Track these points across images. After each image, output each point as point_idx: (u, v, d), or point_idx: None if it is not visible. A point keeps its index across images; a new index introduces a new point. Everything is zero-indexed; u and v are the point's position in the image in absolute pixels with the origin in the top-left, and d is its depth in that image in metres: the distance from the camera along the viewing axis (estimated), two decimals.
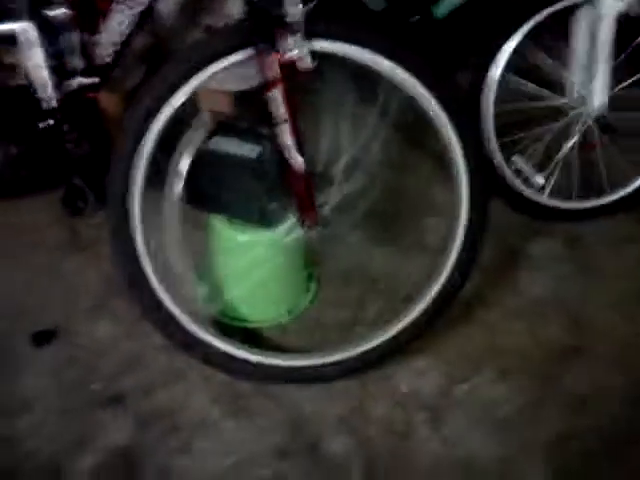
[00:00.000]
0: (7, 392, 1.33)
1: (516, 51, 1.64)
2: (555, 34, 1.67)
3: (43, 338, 1.43)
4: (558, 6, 1.60)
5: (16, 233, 1.71)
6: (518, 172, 1.71)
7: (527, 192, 1.72)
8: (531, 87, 1.71)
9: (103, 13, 1.21)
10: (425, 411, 1.29)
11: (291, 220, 1.29)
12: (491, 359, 1.39)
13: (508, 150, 1.72)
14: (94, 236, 1.69)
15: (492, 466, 1.21)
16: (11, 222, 1.75)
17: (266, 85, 1.07)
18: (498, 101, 1.66)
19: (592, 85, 1.61)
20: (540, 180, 1.71)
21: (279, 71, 1.05)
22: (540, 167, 1.73)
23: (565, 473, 1.19)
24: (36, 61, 1.38)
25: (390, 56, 1.12)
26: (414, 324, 1.30)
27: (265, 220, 1.33)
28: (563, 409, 1.29)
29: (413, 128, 1.80)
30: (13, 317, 1.48)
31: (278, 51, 1.04)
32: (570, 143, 1.71)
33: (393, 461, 1.22)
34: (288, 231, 1.29)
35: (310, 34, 1.04)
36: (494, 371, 1.36)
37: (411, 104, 1.20)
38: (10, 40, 1.37)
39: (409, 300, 1.33)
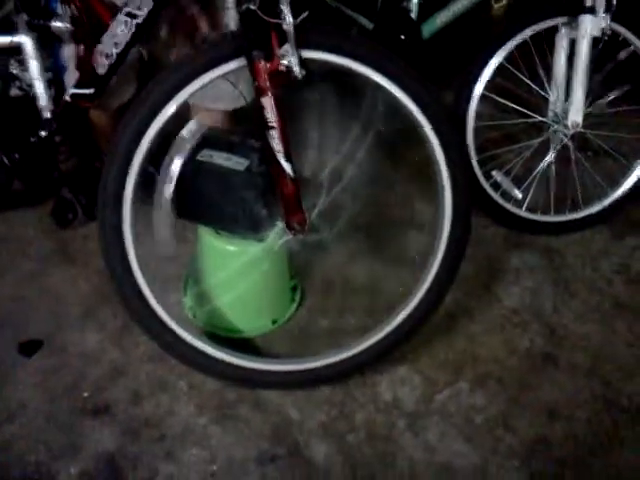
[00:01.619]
0: None
1: (497, 70, 1.70)
2: (534, 54, 1.73)
3: (30, 348, 1.45)
4: (539, 27, 1.66)
5: (5, 244, 1.74)
6: (497, 186, 1.77)
7: (506, 205, 1.77)
8: (510, 105, 1.77)
9: (102, 25, 1.25)
10: (406, 417, 1.33)
11: (279, 226, 1.31)
12: (470, 368, 1.43)
13: (488, 165, 1.78)
14: (82, 247, 1.72)
15: (470, 471, 1.24)
16: (0, 233, 1.77)
17: (256, 92, 1.11)
18: (478, 118, 1.72)
19: (569, 103, 1.67)
20: (518, 194, 1.77)
21: (270, 79, 1.09)
22: (518, 181, 1.78)
23: (540, 479, 1.23)
24: (33, 72, 1.42)
25: (377, 67, 1.16)
26: (395, 333, 1.34)
27: (253, 231, 1.35)
28: (539, 416, 1.33)
29: (396, 140, 1.87)
30: (1, 327, 1.49)
31: (270, 59, 1.08)
32: (547, 159, 1.77)
33: (375, 466, 1.25)
34: (276, 237, 1.31)
35: (301, 43, 1.08)
36: (473, 379, 1.40)
37: (397, 116, 1.24)
38: (15, 51, 1.41)
39: (391, 310, 1.36)
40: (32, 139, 1.45)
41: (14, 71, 1.43)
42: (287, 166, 1.15)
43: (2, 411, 1.33)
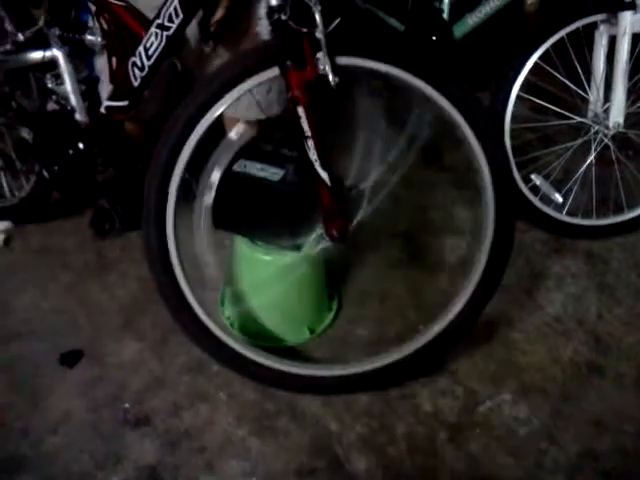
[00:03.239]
0: (38, 412, 1.36)
1: (533, 70, 1.66)
2: (572, 53, 1.68)
3: (71, 359, 1.46)
4: (576, 25, 1.62)
5: (45, 255, 1.76)
6: (536, 189, 1.73)
7: (546, 209, 1.74)
8: (548, 106, 1.73)
9: (134, 38, 1.25)
10: (448, 430, 1.30)
11: (317, 233, 1.29)
12: (513, 378, 1.39)
13: (526, 168, 1.74)
14: (120, 257, 1.74)
15: None
16: (40, 245, 1.80)
17: (291, 102, 1.10)
18: (515, 120, 1.69)
19: (609, 103, 1.62)
20: (558, 197, 1.73)
21: (303, 88, 1.08)
22: (558, 184, 1.74)
23: None
24: (67, 86, 1.44)
25: (412, 70, 1.13)
26: (435, 342, 1.31)
27: (288, 241, 1.35)
28: (585, 428, 1.29)
29: (435, 145, 1.84)
30: (42, 338, 1.52)
31: (304, 68, 1.07)
32: (588, 160, 1.72)
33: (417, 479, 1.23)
34: (314, 244, 1.30)
35: (334, 50, 1.07)
36: (516, 390, 1.37)
37: (436, 121, 1.22)
38: (49, 66, 1.43)
39: (430, 319, 1.33)
40: (70, 151, 1.46)
41: (50, 85, 1.45)
42: (324, 175, 1.14)
43: (46, 422, 1.34)
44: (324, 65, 1.05)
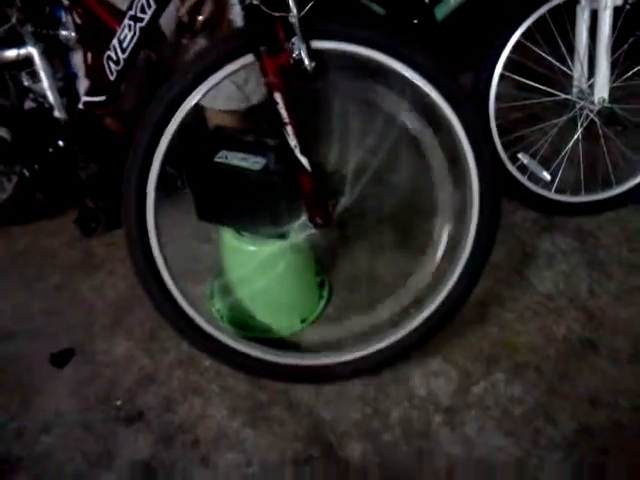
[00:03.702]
0: (30, 412, 1.35)
1: (516, 48, 1.65)
2: (554, 29, 1.67)
3: (62, 358, 1.45)
4: (557, 0, 1.60)
5: (31, 256, 1.75)
6: (524, 168, 1.72)
7: (534, 188, 1.72)
8: (532, 84, 1.72)
9: (108, 31, 1.24)
10: (443, 412, 1.30)
11: (301, 220, 1.29)
12: (506, 357, 1.39)
13: (512, 147, 1.73)
14: (107, 255, 1.73)
15: (511, 465, 1.20)
16: (27, 245, 1.79)
17: (268, 88, 1.09)
18: (499, 99, 1.67)
19: (593, 78, 1.61)
20: (546, 175, 1.72)
21: (279, 74, 1.07)
22: (546, 162, 1.73)
23: (583, 470, 1.19)
24: (44, 83, 1.42)
25: (387, 50, 1.11)
26: (427, 324, 1.30)
27: (274, 230, 1.33)
28: (580, 405, 1.28)
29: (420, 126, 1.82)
30: (32, 338, 1.51)
31: (278, 54, 1.05)
32: (574, 137, 1.71)
33: (412, 464, 1.22)
34: (299, 231, 1.29)
35: (309, 35, 1.05)
36: (510, 369, 1.36)
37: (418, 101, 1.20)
38: (24, 64, 1.41)
39: (421, 301, 1.33)
40: (50, 149, 1.45)
41: (26, 83, 1.44)
42: (304, 161, 1.13)
43: (39, 422, 1.33)
44: (299, 50, 1.03)
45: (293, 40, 1.03)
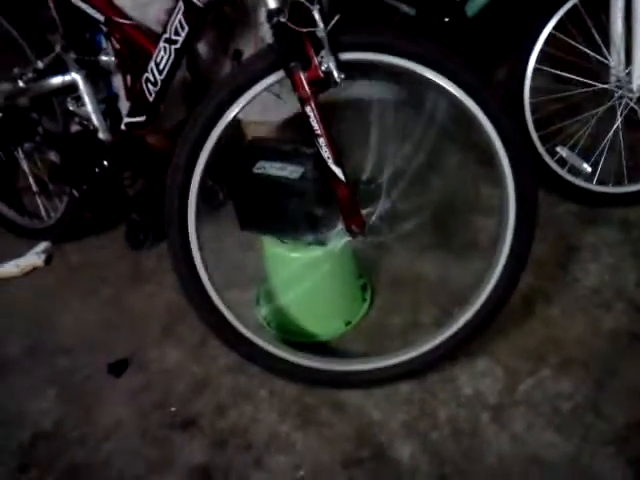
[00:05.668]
0: (91, 421, 1.41)
1: (549, 40, 1.63)
2: (587, 18, 1.65)
3: (118, 368, 1.51)
4: None
5: (84, 271, 1.82)
6: (563, 161, 1.70)
7: (575, 180, 1.70)
8: (568, 76, 1.70)
9: (145, 54, 1.29)
10: (490, 410, 1.30)
11: (338, 229, 1.31)
12: (553, 353, 1.38)
13: (551, 141, 1.71)
14: (156, 267, 1.78)
15: (563, 461, 1.20)
16: (80, 261, 1.86)
17: (300, 102, 1.11)
18: (535, 93, 1.66)
19: (631, 66, 1.58)
20: (587, 167, 1.70)
21: (310, 88, 1.09)
22: (586, 154, 1.71)
23: (637, 464, 1.17)
24: (88, 107, 1.49)
25: (414, 57, 1.12)
26: (471, 323, 1.31)
27: (314, 236, 1.36)
28: (630, 399, 1.27)
29: (457, 123, 1.82)
30: (89, 350, 1.57)
31: (308, 68, 1.08)
32: (614, 127, 1.68)
33: (462, 463, 1.23)
34: (337, 240, 1.31)
35: (337, 47, 1.07)
36: (557, 365, 1.35)
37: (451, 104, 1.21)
38: (69, 89, 1.48)
39: (464, 301, 1.33)
40: (96, 170, 1.51)
41: (71, 108, 1.50)
42: (338, 171, 1.15)
43: (100, 430, 1.39)
44: (328, 63, 1.05)
45: (322, 53, 1.06)
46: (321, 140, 1.12)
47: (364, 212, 1.23)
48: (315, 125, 1.11)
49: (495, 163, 1.21)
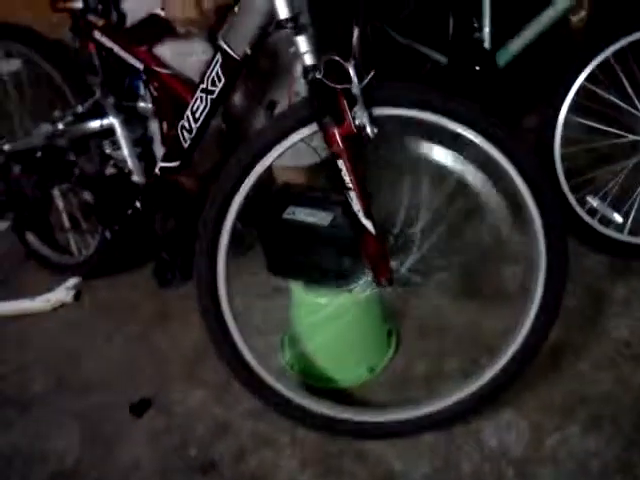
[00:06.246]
0: (110, 461, 1.41)
1: (580, 91, 1.64)
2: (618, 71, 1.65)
3: (140, 408, 1.51)
4: (622, 43, 1.60)
5: (112, 308, 1.84)
6: (593, 212, 1.69)
7: (605, 231, 1.69)
8: (599, 127, 1.70)
9: (182, 102, 1.32)
10: (516, 466, 1.27)
11: (366, 280, 1.31)
12: (581, 409, 1.35)
13: (581, 191, 1.70)
14: (183, 306, 1.79)
15: None
16: (108, 298, 1.88)
17: (332, 156, 1.13)
18: (566, 142, 1.66)
19: None
20: (617, 218, 1.69)
21: (342, 142, 1.10)
22: (617, 204, 1.70)
23: None
24: (124, 151, 1.53)
25: (447, 114, 1.13)
26: (500, 376, 1.29)
27: (342, 283, 1.36)
28: None
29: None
30: (113, 388, 1.58)
31: (341, 123, 1.09)
32: None
33: None
34: (364, 290, 1.31)
35: (371, 102, 1.08)
36: (585, 421, 1.32)
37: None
38: (106, 133, 1.53)
39: (492, 351, 1.31)
40: (129, 212, 1.54)
41: (108, 151, 1.55)
42: (368, 224, 1.16)
43: (119, 470, 1.39)
44: (361, 118, 1.07)
45: (355, 109, 1.07)
46: (352, 193, 1.13)
47: (393, 264, 1.23)
48: (347, 179, 1.12)
49: (524, 212, 1.20)
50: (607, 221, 1.69)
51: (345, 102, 1.07)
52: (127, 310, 1.82)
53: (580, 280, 1.63)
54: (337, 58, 1.03)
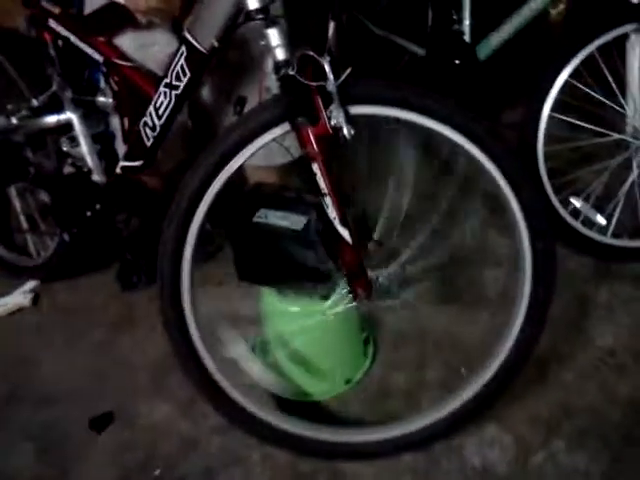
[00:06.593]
0: None
1: (564, 88, 1.58)
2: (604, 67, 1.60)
3: (101, 422, 1.42)
4: (605, 38, 1.54)
5: (73, 312, 1.74)
6: (577, 213, 1.64)
7: (588, 233, 1.64)
8: (582, 124, 1.64)
9: (145, 98, 1.23)
10: None
11: (342, 290, 1.23)
12: (566, 423, 1.29)
13: (564, 191, 1.65)
14: (148, 310, 1.70)
15: None
16: (70, 301, 1.78)
17: (306, 159, 1.05)
18: (548, 141, 1.60)
19: None
20: (601, 219, 1.64)
21: (317, 144, 1.02)
22: (600, 206, 1.65)
23: None
24: (83, 148, 1.43)
25: (425, 112, 1.06)
26: (483, 393, 1.22)
27: (316, 290, 1.29)
28: None
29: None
30: (72, 401, 1.48)
31: (316, 123, 1.01)
32: (630, 178, 1.62)
33: None
34: (339, 302, 1.24)
35: (347, 100, 1.00)
36: (571, 436, 1.27)
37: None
38: (64, 129, 1.42)
39: (471, 360, 1.25)
40: (88, 213, 1.44)
41: (65, 148, 1.45)
42: (345, 232, 1.08)
43: None
44: (337, 118, 0.99)
45: (331, 108, 0.99)
46: (327, 199, 1.05)
47: (371, 274, 1.15)
48: (322, 184, 1.04)
49: (507, 214, 1.14)
50: (590, 223, 1.64)
51: (320, 100, 0.99)
52: (89, 315, 1.73)
53: (563, 283, 1.55)
54: (311, 53, 0.95)
